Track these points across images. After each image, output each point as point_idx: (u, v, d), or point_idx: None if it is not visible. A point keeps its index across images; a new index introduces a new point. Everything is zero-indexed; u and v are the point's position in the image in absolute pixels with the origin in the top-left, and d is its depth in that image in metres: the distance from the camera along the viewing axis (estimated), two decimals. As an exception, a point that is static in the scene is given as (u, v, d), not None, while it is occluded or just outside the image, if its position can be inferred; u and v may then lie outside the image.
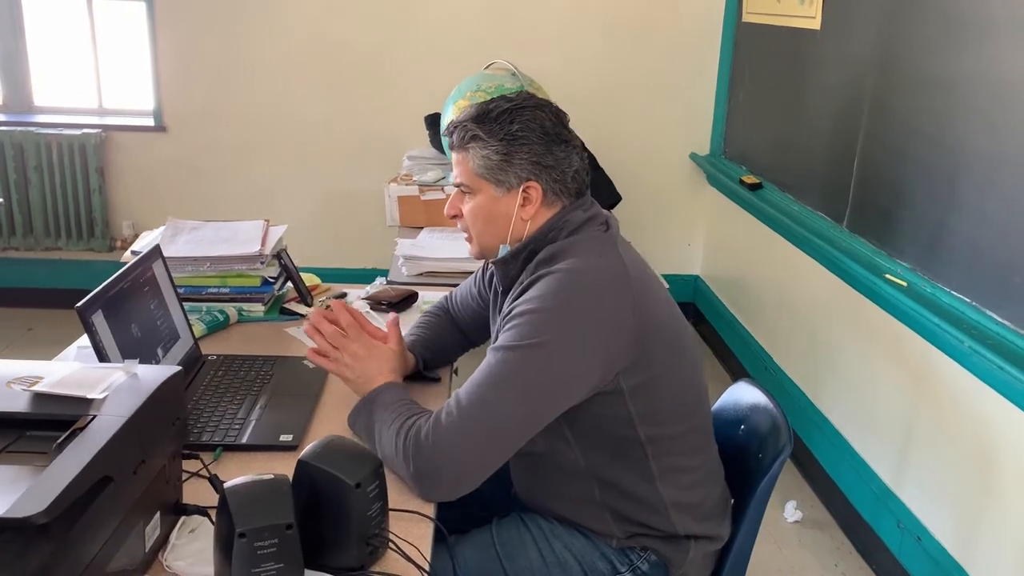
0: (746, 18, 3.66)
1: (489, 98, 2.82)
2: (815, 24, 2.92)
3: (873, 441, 2.52)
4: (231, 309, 1.90)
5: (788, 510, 2.70)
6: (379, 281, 2.11)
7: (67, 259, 3.98)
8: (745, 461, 1.56)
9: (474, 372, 1.29)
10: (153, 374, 1.11)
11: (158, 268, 1.61)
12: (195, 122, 3.93)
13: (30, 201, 3.90)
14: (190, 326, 1.68)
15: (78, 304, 1.30)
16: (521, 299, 1.31)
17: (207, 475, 1.20)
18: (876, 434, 2.50)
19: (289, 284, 2.01)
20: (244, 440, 1.38)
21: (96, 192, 3.90)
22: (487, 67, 3.09)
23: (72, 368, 1.11)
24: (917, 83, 2.31)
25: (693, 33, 3.93)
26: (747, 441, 1.59)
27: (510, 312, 1.31)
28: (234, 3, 3.79)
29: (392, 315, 1.55)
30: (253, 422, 1.44)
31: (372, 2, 3.81)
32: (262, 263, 1.92)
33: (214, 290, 1.92)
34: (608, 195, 3.20)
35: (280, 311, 1.97)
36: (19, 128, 3.83)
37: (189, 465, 1.28)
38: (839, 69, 2.76)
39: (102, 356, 1.32)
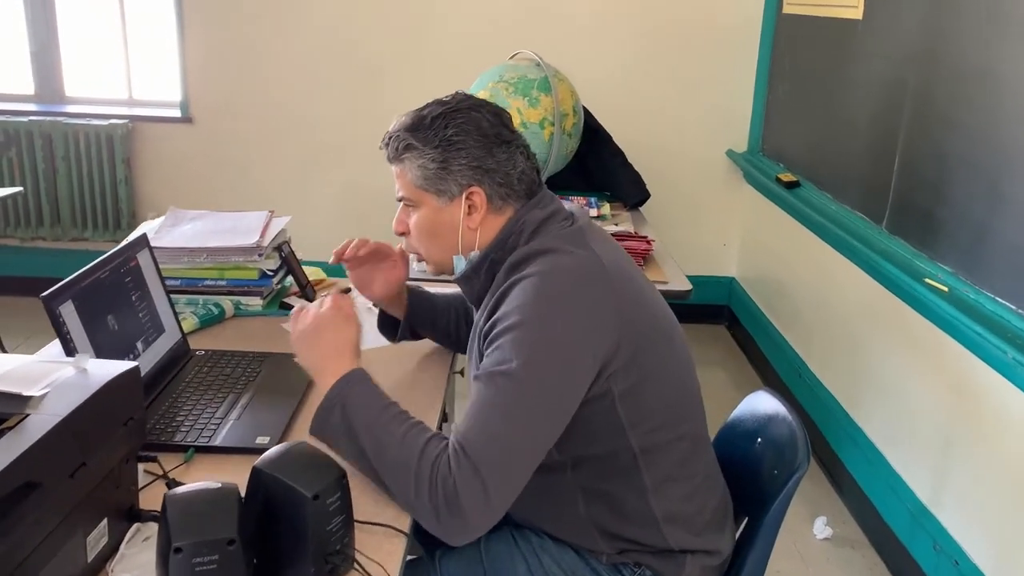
0: (787, 9, 3.51)
1: (510, 87, 2.74)
2: (857, 14, 2.77)
3: (910, 456, 2.37)
4: (227, 302, 1.83)
5: (818, 526, 2.56)
6: (385, 277, 2.02)
7: (93, 250, 3.96)
8: (760, 477, 1.45)
9: (469, 404, 1.18)
10: (105, 370, 1.03)
11: (143, 258, 1.54)
12: (221, 114, 3.90)
13: (57, 191, 3.90)
14: (178, 319, 1.61)
15: (43, 293, 1.23)
16: (499, 312, 1.22)
17: (167, 480, 1.13)
18: (913, 448, 2.35)
19: (290, 278, 1.94)
20: (218, 442, 1.30)
21: (122, 183, 3.89)
22: (511, 57, 2.99)
23: (19, 362, 1.03)
24: (962, 76, 2.16)
25: (732, 25, 3.78)
26: (762, 456, 1.47)
27: (491, 329, 1.21)
28: (262, -6, 3.75)
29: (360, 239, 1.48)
30: (231, 422, 1.36)
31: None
32: (260, 255, 1.85)
33: (211, 282, 1.85)
34: (636, 192, 3.08)
35: (280, 306, 1.90)
36: (48, 118, 3.83)
37: (155, 467, 1.22)
38: (881, 61, 2.61)
39: (69, 350, 1.25)
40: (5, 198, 3.77)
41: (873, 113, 2.65)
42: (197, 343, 1.68)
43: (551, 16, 3.75)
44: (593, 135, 3.14)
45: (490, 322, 1.23)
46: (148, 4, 3.92)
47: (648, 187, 3.16)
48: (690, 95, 3.89)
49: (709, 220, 4.08)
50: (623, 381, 1.22)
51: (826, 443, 2.85)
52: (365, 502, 1.17)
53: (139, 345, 1.45)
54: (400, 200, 1.35)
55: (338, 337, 1.28)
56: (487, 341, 1.22)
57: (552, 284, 1.20)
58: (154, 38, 3.94)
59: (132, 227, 3.95)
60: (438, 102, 1.30)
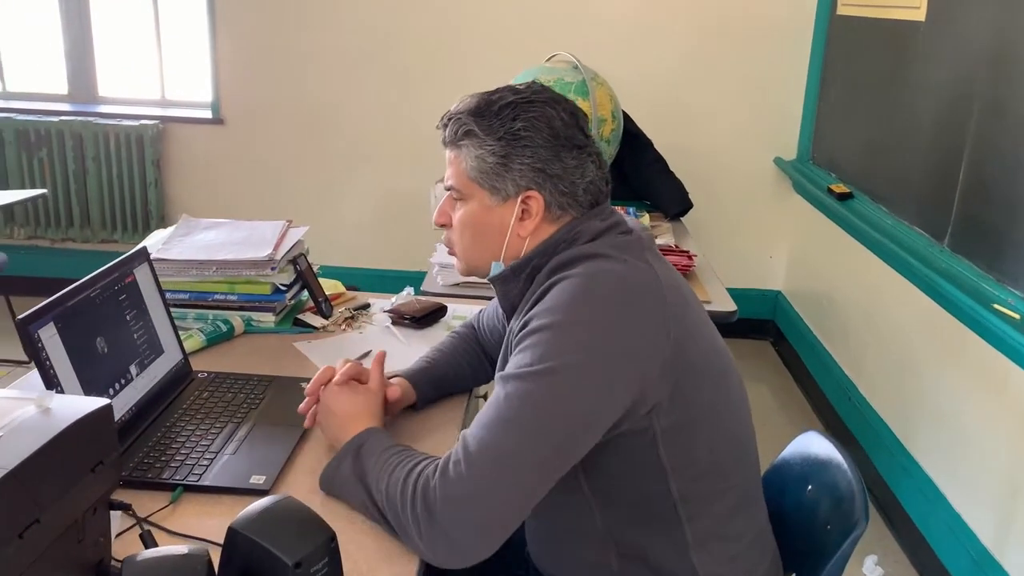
0: (841, 10, 3.32)
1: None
2: (919, 15, 2.58)
3: (972, 495, 2.18)
4: (237, 319, 1.72)
5: (868, 565, 2.38)
6: (407, 291, 1.91)
7: (123, 251, 3.88)
8: (810, 531, 1.29)
9: (483, 406, 1.06)
10: (71, 409, 0.91)
11: (141, 273, 1.43)
12: (252, 116, 3.82)
13: (87, 192, 3.85)
14: (179, 339, 1.50)
15: (20, 316, 1.13)
16: (533, 311, 1.08)
17: (141, 529, 1.01)
18: (976, 488, 2.17)
19: (306, 292, 1.82)
20: (208, 481, 1.19)
21: (152, 185, 3.83)
22: (548, 60, 2.85)
23: (-23, 399, 0.92)
24: (1040, 81, 1.97)
25: (782, 26, 3.60)
26: (814, 506, 1.32)
27: (522, 328, 1.08)
28: (295, -7, 3.66)
29: (378, 353, 1.33)
30: (226, 457, 1.24)
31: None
32: (273, 268, 1.73)
33: (221, 296, 1.74)
34: (678, 202, 2.93)
35: (293, 322, 1.78)
36: (79, 118, 3.78)
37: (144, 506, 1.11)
38: (945, 65, 2.42)
39: (48, 377, 1.14)
40: (34, 199, 3.74)
41: (936, 121, 2.46)
42: (203, 363, 1.58)
43: (592, 17, 3.61)
44: (633, 141, 2.99)
45: (524, 319, 1.09)
46: (182, 4, 3.85)
47: (691, 196, 3.00)
48: (737, 100, 3.71)
49: (755, 231, 3.90)
50: (667, 417, 1.07)
51: (876, 473, 2.67)
52: (366, 556, 1.04)
53: (132, 369, 1.34)
54: (448, 189, 1.21)
55: (350, 406, 1.23)
56: (516, 342, 1.08)
57: (596, 288, 1.06)
58: (187, 38, 3.88)
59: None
60: (511, 89, 1.16)
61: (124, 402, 1.30)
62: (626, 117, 2.99)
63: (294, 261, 1.80)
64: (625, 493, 1.12)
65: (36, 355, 1.14)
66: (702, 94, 3.71)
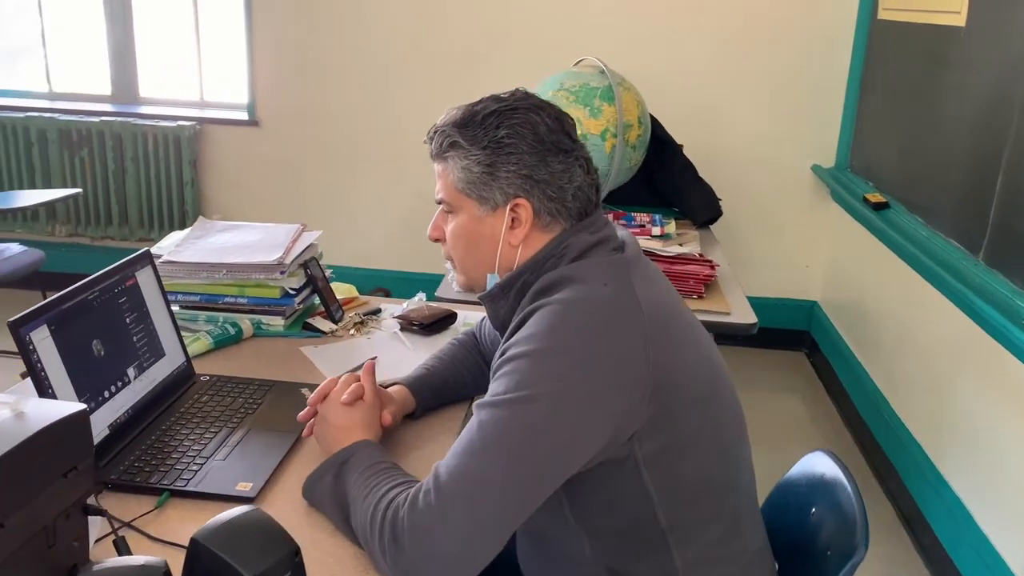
0: (882, 15, 3.23)
1: (571, 95, 2.57)
2: (959, 20, 2.50)
3: (1004, 522, 2.10)
4: (246, 322, 1.72)
5: (893, 587, 2.31)
6: (419, 297, 1.89)
7: (160, 251, 3.98)
8: (810, 554, 1.25)
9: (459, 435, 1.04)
10: (45, 413, 0.91)
11: (143, 276, 1.44)
12: (288, 118, 3.85)
13: (126, 191, 3.93)
14: (182, 342, 1.50)
15: (11, 319, 1.14)
16: (512, 339, 1.06)
17: (115, 535, 1.01)
18: (1008, 514, 2.08)
19: (317, 297, 1.82)
20: (195, 486, 1.18)
21: (189, 184, 3.89)
22: (576, 64, 2.82)
23: (-48, 402, 0.93)
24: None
25: (821, 31, 3.52)
26: (816, 529, 1.27)
27: (501, 356, 1.06)
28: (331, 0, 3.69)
29: (367, 362, 1.32)
30: (216, 463, 1.24)
31: (467, 1, 3.62)
32: (283, 272, 1.73)
33: (231, 299, 1.75)
34: (706, 210, 2.87)
35: (303, 326, 1.78)
36: (119, 119, 3.85)
37: (128, 511, 1.11)
38: (985, 71, 2.33)
39: (39, 379, 1.15)
40: (73, 197, 3.82)
41: (974, 129, 2.38)
42: (209, 366, 1.58)
43: (623, 20, 3.57)
44: (662, 147, 2.95)
45: (504, 347, 1.07)
46: (221, 7, 3.90)
47: (724, 202, 2.95)
48: (774, 105, 3.64)
49: (791, 239, 3.82)
50: (649, 444, 1.04)
51: (906, 491, 2.58)
52: (341, 573, 1.03)
53: (130, 372, 1.35)
54: (439, 203, 1.20)
55: (344, 418, 1.23)
56: (494, 370, 1.07)
57: (574, 316, 1.04)
58: (226, 41, 3.93)
59: (197, 229, 3.94)
60: (495, 98, 1.15)
61: (120, 405, 1.30)
62: (656, 122, 2.94)
63: (305, 265, 1.80)
64: (611, 521, 1.09)
65: (27, 357, 1.14)
66: (737, 99, 3.64)
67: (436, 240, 1.23)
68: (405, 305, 1.86)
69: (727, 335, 3.02)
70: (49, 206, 3.95)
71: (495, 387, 1.03)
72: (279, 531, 0.88)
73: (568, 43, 3.45)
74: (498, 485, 0.97)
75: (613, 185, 2.74)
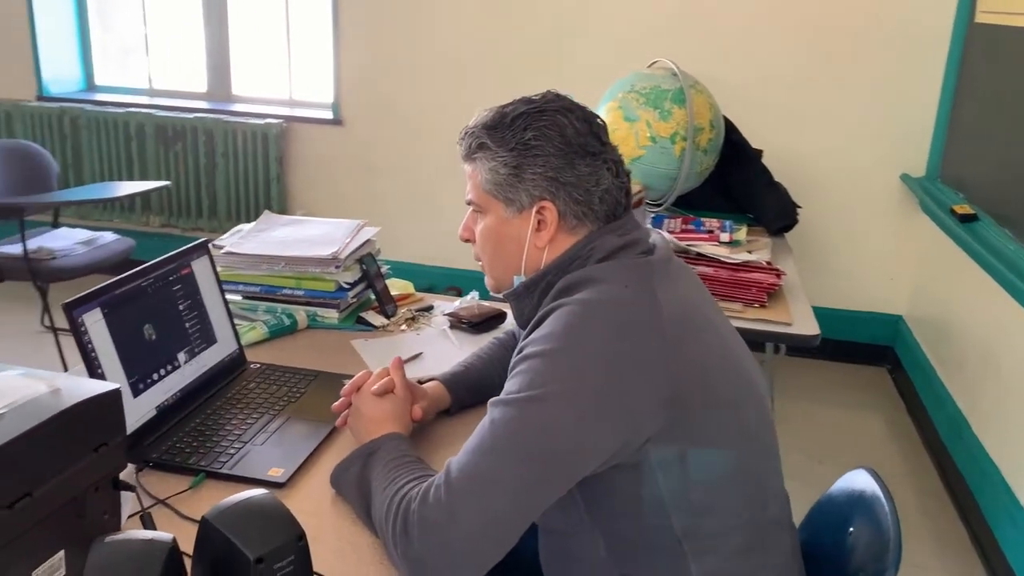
0: (980, 18, 3.08)
1: (641, 97, 2.55)
2: (1058, 23, 2.36)
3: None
4: (301, 314, 1.77)
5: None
6: (471, 296, 1.91)
7: (245, 243, 4.13)
8: (843, 575, 1.20)
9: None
10: (78, 391, 0.97)
11: (199, 266, 1.50)
12: (370, 117, 3.94)
13: (215, 185, 4.09)
14: (235, 330, 1.56)
15: (66, 301, 1.20)
16: (528, 339, 1.06)
17: (143, 511, 1.06)
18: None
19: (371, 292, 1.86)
20: (229, 469, 1.23)
21: (275, 181, 4.02)
22: (649, 66, 2.79)
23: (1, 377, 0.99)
24: None
25: (914, 34, 3.38)
26: (852, 550, 1.22)
27: (518, 354, 1.06)
28: (416, 1, 3.75)
29: (395, 358, 1.34)
30: (254, 448, 1.29)
31: (548, 2, 3.63)
32: (338, 267, 1.77)
33: (289, 291, 1.80)
34: (781, 217, 2.79)
35: (356, 320, 1.82)
36: (212, 115, 4.02)
37: (164, 489, 1.16)
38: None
39: (90, 359, 1.21)
40: (168, 188, 4.01)
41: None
42: (263, 354, 1.64)
43: (701, 22, 3.51)
44: (737, 151, 2.88)
45: (521, 345, 1.08)
46: (312, 9, 4.02)
47: (805, 210, 2.86)
48: (862, 112, 3.51)
49: (876, 250, 3.68)
50: (664, 450, 1.03)
51: (981, 516, 2.46)
52: (355, 563, 1.05)
53: (181, 357, 1.41)
54: (468, 203, 1.22)
55: (376, 410, 1.26)
56: (510, 368, 1.07)
57: (590, 317, 1.04)
58: (315, 41, 4.05)
59: (281, 224, 4.07)
60: (524, 100, 1.16)
61: (168, 388, 1.36)
62: (732, 127, 2.88)
63: (361, 261, 1.84)
64: (626, 526, 1.08)
65: (78, 337, 1.21)
66: (823, 104, 3.53)
67: (466, 240, 1.24)
68: (457, 303, 1.88)
69: (800, 348, 2.94)
70: (144, 197, 4.15)
71: (509, 385, 1.03)
72: (286, 516, 0.91)
73: (644, 45, 3.42)
74: (506, 484, 0.98)
75: (683, 189, 2.70)
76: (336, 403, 1.33)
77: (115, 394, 1.00)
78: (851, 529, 1.25)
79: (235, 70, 4.23)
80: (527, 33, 3.68)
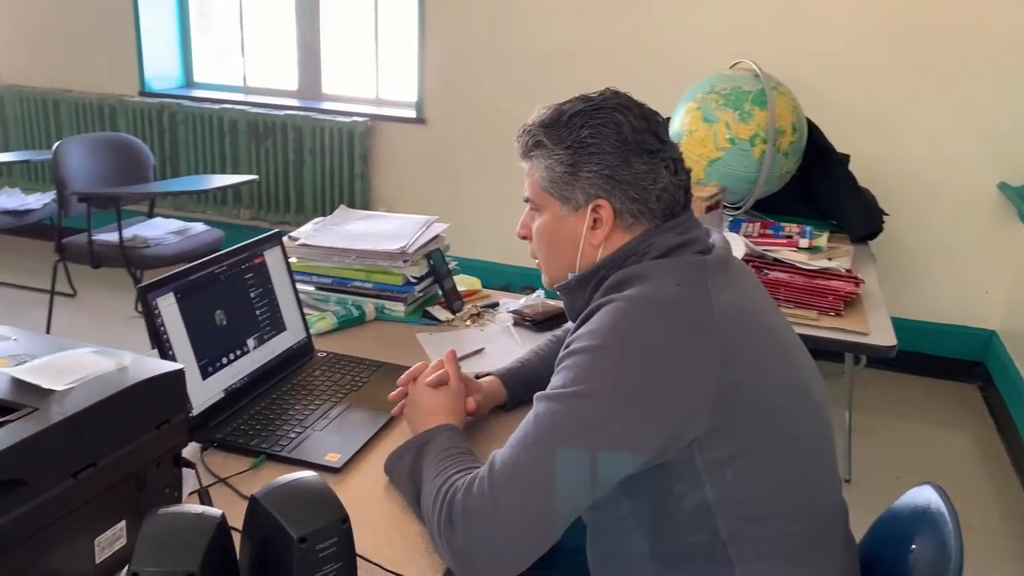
0: (1089, 19, 2.92)
1: (721, 98, 2.51)
2: None
3: None
4: (370, 306, 1.81)
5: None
6: (537, 294, 1.92)
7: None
8: (905, 597, 1.16)
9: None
10: (143, 369, 1.02)
11: (272, 256, 1.55)
12: (452, 117, 3.98)
13: (303, 181, 4.20)
14: (304, 319, 1.61)
15: (141, 284, 1.26)
16: (576, 334, 1.06)
17: (200, 487, 1.10)
18: None
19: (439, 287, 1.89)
20: (288, 452, 1.27)
21: (359, 178, 4.11)
22: (731, 67, 2.74)
23: (69, 351, 1.05)
24: None
25: (1016, 40, 3.22)
26: (913, 567, 1.18)
27: (565, 349, 1.06)
28: (501, 2, 3.78)
29: (448, 350, 1.36)
30: (314, 433, 1.32)
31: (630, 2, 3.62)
32: (406, 261, 1.81)
33: (359, 284, 1.84)
34: (865, 224, 2.70)
35: (423, 314, 1.85)
36: (301, 113, 4.14)
37: (225, 468, 1.21)
38: None
39: (160, 341, 1.27)
40: (258, 183, 4.14)
41: None
42: (330, 343, 1.68)
43: (787, 22, 3.43)
44: (821, 155, 2.81)
45: (568, 340, 1.08)
46: (400, 9, 4.10)
47: (892, 218, 2.77)
48: (958, 117, 3.37)
49: (969, 261, 3.52)
50: (711, 453, 1.01)
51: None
52: (404, 548, 1.07)
53: (250, 342, 1.46)
54: (525, 201, 1.23)
55: (432, 401, 1.27)
56: (557, 363, 1.08)
57: (638, 314, 1.03)
58: (402, 41, 4.12)
59: (363, 219, 4.17)
60: (583, 98, 1.17)
61: (237, 371, 1.41)
62: (816, 130, 2.81)
63: (429, 256, 1.86)
64: (671, 527, 1.07)
65: (151, 320, 1.27)
66: (917, 108, 3.40)
67: (524, 238, 1.25)
68: (522, 301, 1.89)
69: (880, 360, 2.84)
70: (236, 191, 4.31)
71: (555, 380, 1.03)
72: (332, 499, 0.93)
73: (726, 45, 3.36)
74: (548, 478, 0.98)
75: (762, 193, 2.64)
76: (393, 393, 1.35)
77: (179, 374, 1.05)
78: (913, 546, 1.20)
79: (325, 69, 4.34)
80: (609, 34, 3.66)
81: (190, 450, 1.28)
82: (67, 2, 4.46)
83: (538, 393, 1.04)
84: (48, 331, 3.44)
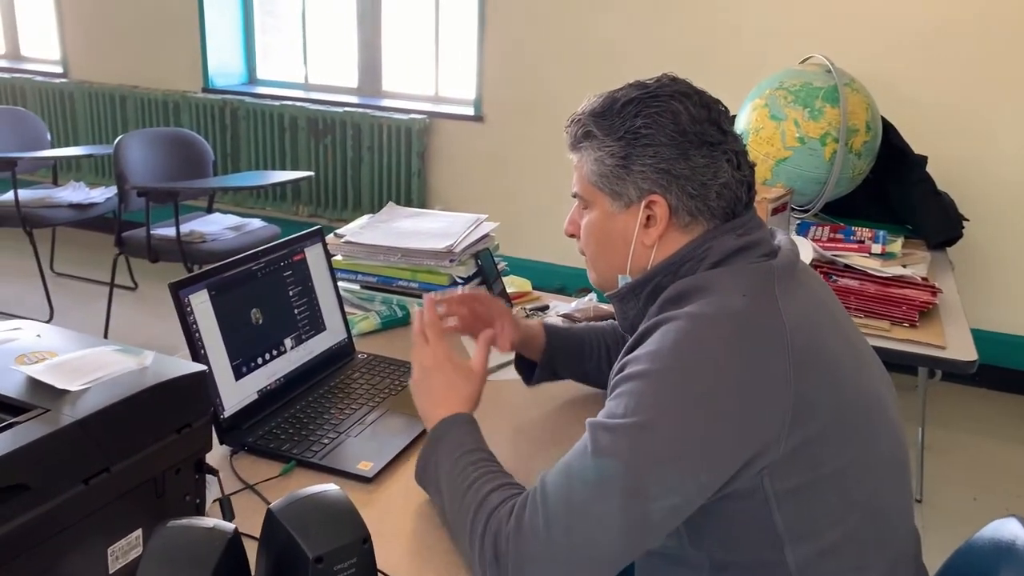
0: None
1: (790, 95, 2.39)
2: None
3: None
4: (415, 306, 1.75)
5: None
6: (589, 298, 1.83)
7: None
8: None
9: (570, 450, 0.96)
10: (164, 371, 0.97)
11: (312, 253, 1.49)
12: (511, 115, 3.92)
13: (360, 178, 4.19)
14: (345, 319, 1.55)
15: (172, 281, 1.22)
16: (632, 355, 0.96)
17: (222, 497, 1.05)
18: None
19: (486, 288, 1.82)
20: (320, 459, 1.21)
21: (416, 175, 4.07)
22: (801, 62, 2.61)
23: (91, 349, 1.00)
24: None
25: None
26: (996, 609, 1.06)
27: (620, 372, 0.97)
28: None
29: (485, 332, 1.26)
30: (347, 439, 1.26)
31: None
32: (452, 261, 1.74)
33: (404, 283, 1.79)
34: (943, 229, 2.54)
35: (469, 316, 1.78)
36: (360, 110, 4.12)
37: (253, 474, 1.16)
38: None
39: (192, 340, 1.23)
40: (315, 179, 4.13)
41: None
42: (372, 345, 1.63)
43: (863, 15, 3.26)
44: (897, 157, 2.66)
45: (623, 362, 0.99)
46: (461, 6, 4.05)
47: (972, 224, 2.61)
48: (1046, 116, 3.17)
49: (1055, 270, 3.32)
50: (783, 479, 0.92)
51: None
52: (423, 570, 1.00)
53: (288, 342, 1.41)
54: (574, 196, 1.13)
55: (446, 387, 1.15)
56: (612, 386, 0.98)
57: (701, 334, 0.93)
58: (462, 38, 4.07)
59: (420, 217, 4.13)
60: (638, 84, 1.07)
61: (272, 372, 1.36)
62: (892, 129, 2.66)
63: (477, 256, 1.80)
64: (734, 557, 0.98)
65: (183, 318, 1.22)
66: (1000, 108, 3.20)
67: (572, 236, 1.16)
68: (573, 304, 1.81)
69: (956, 374, 2.68)
70: (295, 187, 4.31)
71: (612, 406, 0.93)
72: (353, 516, 0.86)
73: (798, 38, 3.22)
74: (611, 521, 0.89)
75: (832, 195, 2.51)
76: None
77: (201, 376, 0.99)
78: (996, 584, 1.09)
79: (385, 66, 4.32)
80: (673, 28, 3.55)
81: (219, 453, 1.24)
82: (135, 1, 4.53)
83: (592, 421, 0.95)
84: (107, 324, 3.48)
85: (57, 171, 4.14)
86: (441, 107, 4.13)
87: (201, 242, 3.27)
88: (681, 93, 1.03)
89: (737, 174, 1.02)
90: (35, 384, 0.91)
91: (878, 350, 1.89)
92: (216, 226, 3.44)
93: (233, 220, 3.53)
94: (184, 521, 0.83)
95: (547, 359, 1.36)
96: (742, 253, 1.00)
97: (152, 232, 3.25)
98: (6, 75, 4.88)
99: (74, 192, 3.80)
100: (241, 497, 1.14)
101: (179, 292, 1.22)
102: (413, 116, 4.02)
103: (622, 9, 3.61)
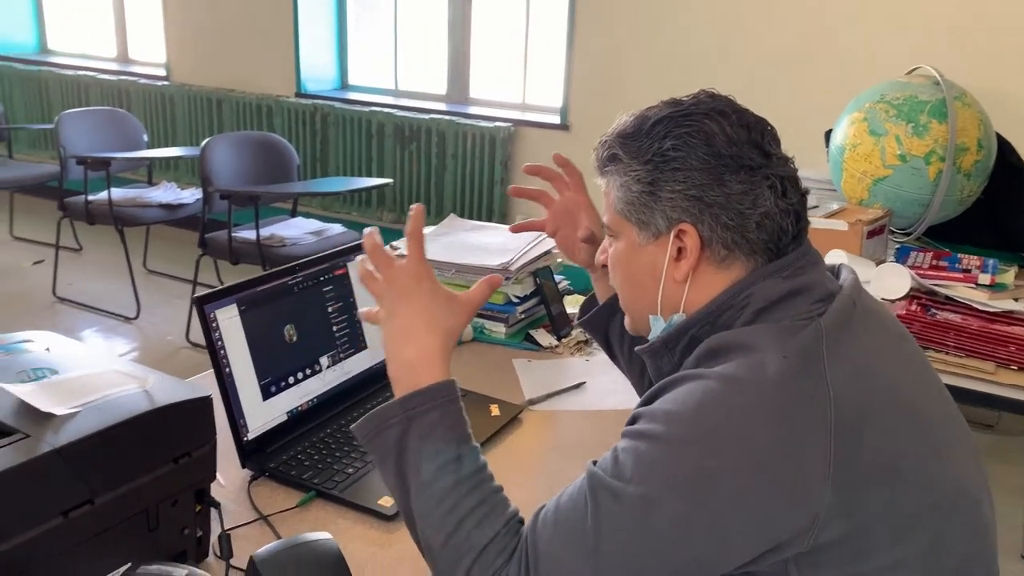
0: None
1: (892, 109, 2.20)
2: None
3: None
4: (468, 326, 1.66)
5: None
6: (655, 323, 1.71)
7: (467, 244, 4.15)
8: None
9: (567, 494, 0.84)
10: (162, 395, 0.91)
11: (356, 267, 1.42)
12: (596, 124, 3.76)
13: (443, 186, 4.15)
14: (388, 337, 1.47)
15: (198, 295, 1.16)
16: (651, 407, 0.83)
17: (222, 531, 0.98)
18: None
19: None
20: (340, 492, 1.13)
21: (498, 184, 4.00)
22: (907, 73, 2.41)
23: (95, 368, 0.95)
24: None
25: None
26: None
27: (634, 420, 0.84)
28: (650, 5, 3.57)
29: (493, 277, 1.03)
30: (372, 470, 1.18)
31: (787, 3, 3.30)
32: (508, 279, 1.65)
33: (458, 300, 1.70)
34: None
35: (524, 337, 1.69)
36: (446, 117, 4.08)
37: (271, 504, 1.09)
38: None
39: (217, 357, 1.17)
40: (399, 186, 4.12)
41: None
42: (420, 365, 1.54)
43: (977, 23, 3.00)
44: (1013, 177, 2.42)
45: (639, 411, 0.85)
46: (551, 15, 3.96)
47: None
48: None
49: None
50: (815, 570, 0.78)
51: None
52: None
53: (323, 361, 1.34)
54: (603, 225, 1.01)
55: (420, 346, 0.93)
56: (627, 423, 0.85)
57: (728, 402, 0.79)
58: (551, 47, 3.99)
59: (501, 227, 4.06)
60: (671, 102, 0.95)
61: (305, 393, 1.30)
62: (1007, 147, 2.43)
63: (536, 274, 1.70)
64: None
65: (208, 333, 1.17)
66: None
67: (604, 266, 1.04)
68: (638, 329, 1.68)
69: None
70: (379, 193, 4.31)
71: (620, 460, 0.81)
72: (340, 569, 0.78)
73: (904, 48, 3.00)
74: None
75: (938, 219, 2.30)
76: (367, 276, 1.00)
77: (205, 401, 0.93)
78: None
79: (474, 73, 4.28)
80: (768, 36, 3.36)
81: (241, 476, 1.18)
82: (233, 7, 4.63)
83: (593, 472, 0.82)
84: (189, 324, 3.54)
85: (152, 171, 4.25)
86: (527, 115, 4.05)
87: (281, 246, 3.28)
88: (718, 111, 0.90)
89: (782, 202, 0.88)
90: (22, 406, 0.86)
91: (981, 395, 1.71)
92: (297, 230, 3.45)
93: (315, 225, 3.54)
94: (155, 569, 0.76)
95: (609, 307, 1.23)
96: (790, 300, 0.86)
97: (234, 234, 3.28)
98: (113, 77, 5.07)
99: (165, 192, 3.89)
100: (254, 528, 1.08)
101: (204, 307, 1.16)
102: (498, 124, 3.95)
103: (714, 17, 3.45)
